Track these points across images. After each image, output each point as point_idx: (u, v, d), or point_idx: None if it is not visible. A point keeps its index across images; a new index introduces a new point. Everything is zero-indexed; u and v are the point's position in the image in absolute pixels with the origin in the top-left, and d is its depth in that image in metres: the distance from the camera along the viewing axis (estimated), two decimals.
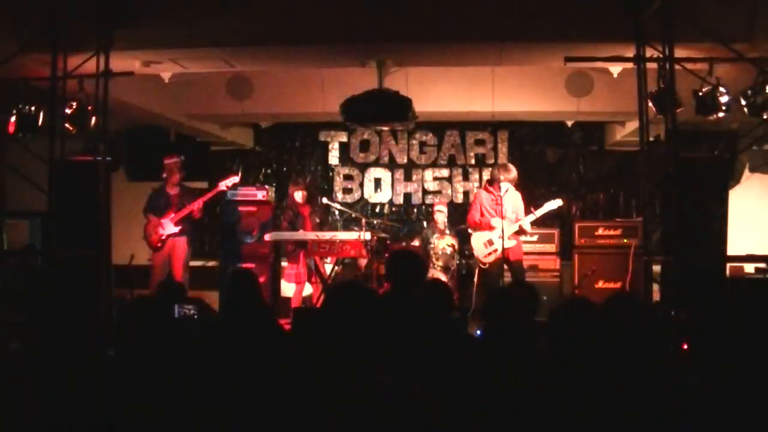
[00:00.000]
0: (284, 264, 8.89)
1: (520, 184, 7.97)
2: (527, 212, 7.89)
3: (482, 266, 7.87)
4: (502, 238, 7.49)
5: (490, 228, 7.71)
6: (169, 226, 8.02)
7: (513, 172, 7.72)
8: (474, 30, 6.39)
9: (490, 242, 7.72)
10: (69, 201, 6.66)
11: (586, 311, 2.89)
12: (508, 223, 7.63)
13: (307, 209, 8.74)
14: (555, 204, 7.94)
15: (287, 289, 8.87)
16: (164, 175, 8.19)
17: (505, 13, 6.20)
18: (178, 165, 8.15)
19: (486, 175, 10.86)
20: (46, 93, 6.48)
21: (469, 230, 8.13)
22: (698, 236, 5.79)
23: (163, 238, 8.00)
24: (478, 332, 5.94)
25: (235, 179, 8.46)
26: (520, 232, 7.83)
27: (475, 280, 8.24)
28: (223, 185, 8.33)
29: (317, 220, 8.78)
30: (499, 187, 7.68)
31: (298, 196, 8.73)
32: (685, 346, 4.70)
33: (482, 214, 7.79)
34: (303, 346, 3.48)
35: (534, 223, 8.05)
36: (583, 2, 6.14)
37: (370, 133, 11.00)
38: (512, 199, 7.82)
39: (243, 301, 4.45)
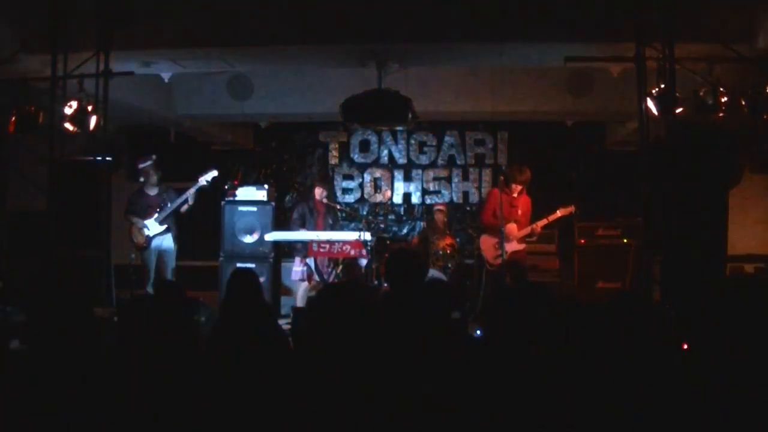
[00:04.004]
0: (292, 262, 8.88)
1: (531, 187, 7.85)
2: (538, 216, 7.79)
3: (490, 268, 7.81)
4: (501, 240, 7.47)
5: (501, 230, 7.59)
6: (154, 226, 8.05)
7: (526, 174, 7.61)
8: (474, 30, 6.39)
9: (500, 245, 7.63)
10: (69, 201, 6.68)
11: (581, 311, 2.90)
12: (518, 227, 7.59)
13: (322, 207, 8.70)
14: (567, 210, 7.80)
15: (293, 286, 8.89)
16: (141, 179, 8.17)
17: (505, 13, 6.20)
18: (153, 166, 8.13)
19: (485, 175, 10.85)
20: (46, 93, 6.48)
21: (471, 231, 8.10)
22: (698, 236, 5.80)
23: (150, 237, 8.04)
24: (478, 332, 5.94)
25: (214, 173, 8.36)
26: (529, 236, 7.76)
27: (483, 281, 8.16)
28: (203, 180, 8.25)
29: (330, 221, 8.73)
30: (512, 188, 7.63)
31: (319, 192, 8.68)
32: (685, 346, 4.70)
33: (495, 216, 7.64)
34: (302, 345, 3.48)
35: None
36: (583, 2, 6.14)
37: (369, 133, 11.00)
38: (522, 202, 7.74)
39: (243, 301, 4.45)
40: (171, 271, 8.18)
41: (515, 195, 7.64)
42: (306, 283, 8.46)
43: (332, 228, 8.59)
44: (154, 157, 8.23)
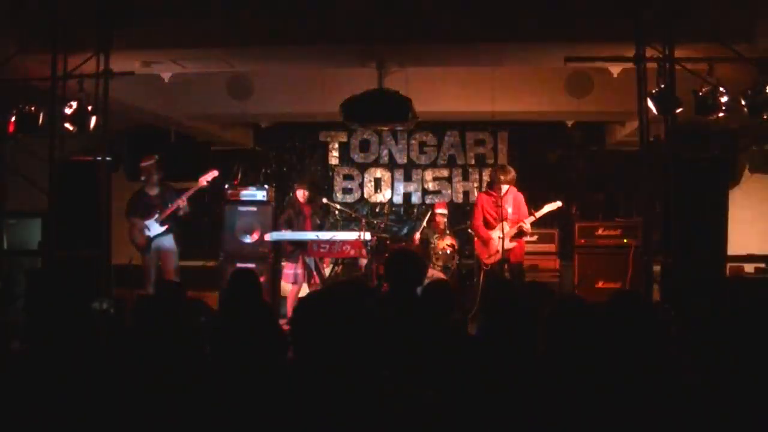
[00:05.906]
0: (282, 264, 8.88)
1: (520, 185, 7.92)
2: (528, 213, 7.84)
3: (485, 268, 7.84)
4: (502, 239, 7.48)
5: (491, 231, 7.66)
6: (154, 227, 7.97)
7: (511, 173, 7.66)
8: (474, 30, 6.39)
9: (492, 244, 7.68)
10: (69, 201, 6.67)
11: (582, 310, 2.89)
12: (507, 225, 7.60)
13: (308, 209, 8.72)
14: (554, 205, 7.87)
15: (286, 289, 8.87)
16: (143, 178, 8.11)
17: (505, 13, 6.20)
18: (155, 166, 8.07)
19: (486, 175, 10.86)
20: (46, 93, 6.48)
21: (470, 231, 8.11)
22: (698, 236, 5.80)
23: (151, 238, 7.98)
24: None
25: (215, 173, 8.34)
26: (521, 234, 7.76)
27: (480, 281, 8.17)
28: (203, 181, 8.23)
29: (318, 222, 8.74)
30: (499, 189, 7.65)
31: (300, 194, 8.69)
32: (684, 346, 4.70)
33: (482, 218, 7.74)
34: (301, 345, 3.47)
35: (534, 224, 8.01)
36: (583, 2, 6.14)
37: (370, 133, 11.00)
38: (513, 200, 7.78)
39: (243, 301, 4.45)
40: (176, 272, 8.07)
41: (502, 195, 7.65)
42: (296, 287, 8.42)
43: (320, 228, 8.57)
44: (157, 156, 8.17)
